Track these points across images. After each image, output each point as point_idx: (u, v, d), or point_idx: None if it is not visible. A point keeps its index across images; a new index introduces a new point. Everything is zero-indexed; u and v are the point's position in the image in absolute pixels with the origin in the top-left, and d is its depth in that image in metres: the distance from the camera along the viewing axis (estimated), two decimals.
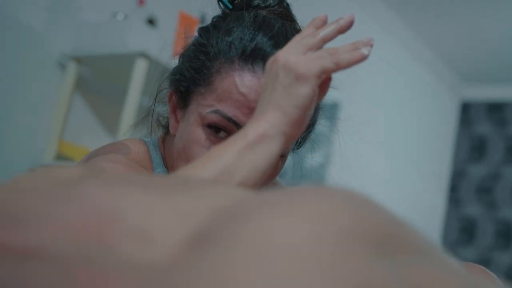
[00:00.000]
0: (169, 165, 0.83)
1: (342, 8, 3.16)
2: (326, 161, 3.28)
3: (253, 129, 0.61)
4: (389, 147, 3.90)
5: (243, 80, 0.72)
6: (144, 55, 1.96)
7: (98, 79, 2.36)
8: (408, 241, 0.26)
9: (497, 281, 0.66)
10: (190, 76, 0.76)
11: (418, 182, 4.23)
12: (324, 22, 0.67)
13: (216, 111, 0.72)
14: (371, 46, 0.64)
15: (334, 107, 3.31)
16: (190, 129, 0.74)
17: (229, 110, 0.71)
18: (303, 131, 0.64)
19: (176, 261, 0.24)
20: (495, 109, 4.52)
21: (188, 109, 0.76)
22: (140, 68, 1.96)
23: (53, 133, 2.18)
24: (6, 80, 2.12)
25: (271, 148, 0.61)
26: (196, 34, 0.81)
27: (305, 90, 0.61)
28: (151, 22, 2.23)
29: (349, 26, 0.66)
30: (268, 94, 0.63)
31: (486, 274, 0.70)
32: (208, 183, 0.34)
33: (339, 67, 0.62)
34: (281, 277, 0.21)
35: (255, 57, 0.73)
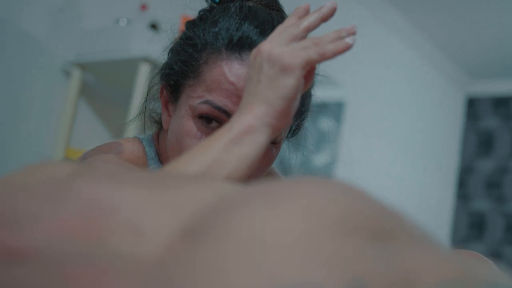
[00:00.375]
0: (164, 161, 0.83)
1: (346, 9, 3.15)
2: (333, 160, 3.28)
3: (239, 122, 0.62)
4: (396, 145, 3.89)
5: (231, 69, 0.72)
6: (147, 60, 1.96)
7: (103, 85, 2.36)
8: (399, 228, 0.26)
9: (492, 266, 0.65)
10: (178, 69, 0.76)
11: (426, 179, 4.22)
12: (307, 11, 0.67)
13: (206, 102, 0.72)
14: (355, 33, 0.64)
15: (340, 107, 3.30)
16: (181, 121, 0.74)
17: (219, 100, 0.72)
18: (289, 121, 0.64)
19: (167, 256, 0.24)
20: (501, 103, 4.50)
21: (179, 102, 0.77)
22: (143, 73, 1.96)
23: (59, 140, 2.19)
24: (12, 89, 2.13)
25: (258, 140, 0.62)
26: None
27: (290, 82, 0.61)
28: (153, 26, 2.24)
29: (331, 13, 0.66)
30: (253, 86, 0.63)
31: (481, 259, 0.70)
32: (197, 178, 0.34)
33: (323, 57, 0.62)
34: (274, 269, 0.21)
35: (242, 45, 0.73)
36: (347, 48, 0.62)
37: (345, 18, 3.31)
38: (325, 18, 0.66)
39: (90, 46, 2.23)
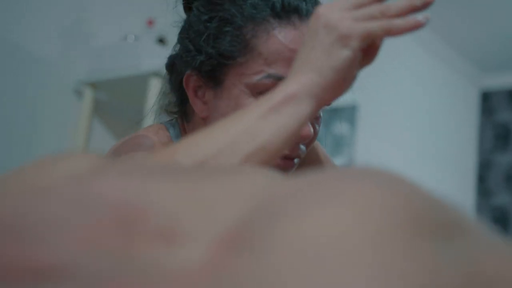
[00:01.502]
0: None
1: None
2: (349, 163, 3.25)
3: (282, 90, 0.56)
4: (412, 145, 3.85)
5: (287, 36, 0.69)
6: (157, 75, 1.96)
7: (115, 102, 2.37)
8: (463, 223, 0.23)
9: None
10: (218, 52, 0.72)
11: (445, 177, 4.18)
12: None
13: (269, 76, 0.68)
14: (431, 2, 0.57)
15: (353, 110, 3.28)
16: (238, 102, 0.70)
17: (283, 71, 0.68)
18: (338, 96, 0.59)
19: (213, 266, 0.21)
20: None
21: (224, 84, 0.72)
22: (154, 88, 1.96)
23: None
24: (26, 111, 2.14)
25: (300, 111, 0.56)
26: (196, 12, 0.76)
27: (345, 53, 0.56)
28: (161, 41, 2.24)
29: None
30: (306, 52, 0.58)
31: None
32: (235, 170, 0.30)
33: (388, 33, 0.56)
34: (337, 284, 0.18)
35: (288, 10, 0.69)
36: (418, 27, 0.56)
37: None
38: None
39: (100, 64, 2.23)
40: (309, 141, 0.73)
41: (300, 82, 0.56)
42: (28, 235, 0.25)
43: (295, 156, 0.73)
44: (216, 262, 0.21)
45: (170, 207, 0.25)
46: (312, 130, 0.70)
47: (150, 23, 2.28)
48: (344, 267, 0.19)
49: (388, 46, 3.71)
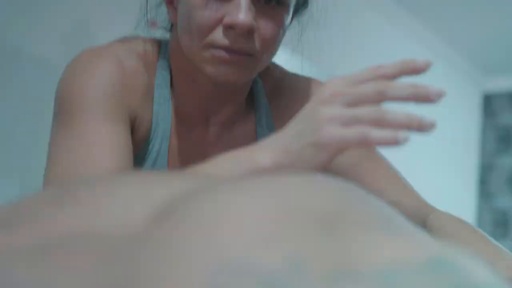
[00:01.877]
0: (173, 66, 0.85)
1: (358, 14, 3.14)
2: None
3: (256, 161, 0.56)
4: (414, 147, 3.86)
5: None
6: None
7: None
8: (358, 216, 0.26)
9: (476, 231, 0.66)
10: None
11: (447, 179, 4.17)
12: (415, 71, 0.58)
13: None
14: (430, 128, 0.55)
15: None
16: (189, 1, 0.74)
17: None
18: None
19: (140, 235, 0.25)
20: None
21: None
22: None
23: None
24: (30, 115, 2.15)
25: None
26: None
27: (319, 158, 0.55)
28: None
29: (429, 98, 0.58)
30: (292, 131, 0.57)
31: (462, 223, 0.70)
32: (187, 175, 0.35)
33: (362, 145, 0.54)
34: (221, 251, 0.22)
35: None
36: (393, 144, 0.54)
37: (358, 23, 3.30)
38: (418, 99, 0.57)
39: None
40: (263, 38, 0.73)
41: (274, 162, 0.56)
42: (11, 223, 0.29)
43: (239, 48, 0.72)
44: (142, 231, 0.25)
45: (123, 201, 0.30)
46: (244, 17, 0.70)
47: (153, 24, 2.28)
48: (230, 239, 0.23)
49: (390, 47, 3.67)
